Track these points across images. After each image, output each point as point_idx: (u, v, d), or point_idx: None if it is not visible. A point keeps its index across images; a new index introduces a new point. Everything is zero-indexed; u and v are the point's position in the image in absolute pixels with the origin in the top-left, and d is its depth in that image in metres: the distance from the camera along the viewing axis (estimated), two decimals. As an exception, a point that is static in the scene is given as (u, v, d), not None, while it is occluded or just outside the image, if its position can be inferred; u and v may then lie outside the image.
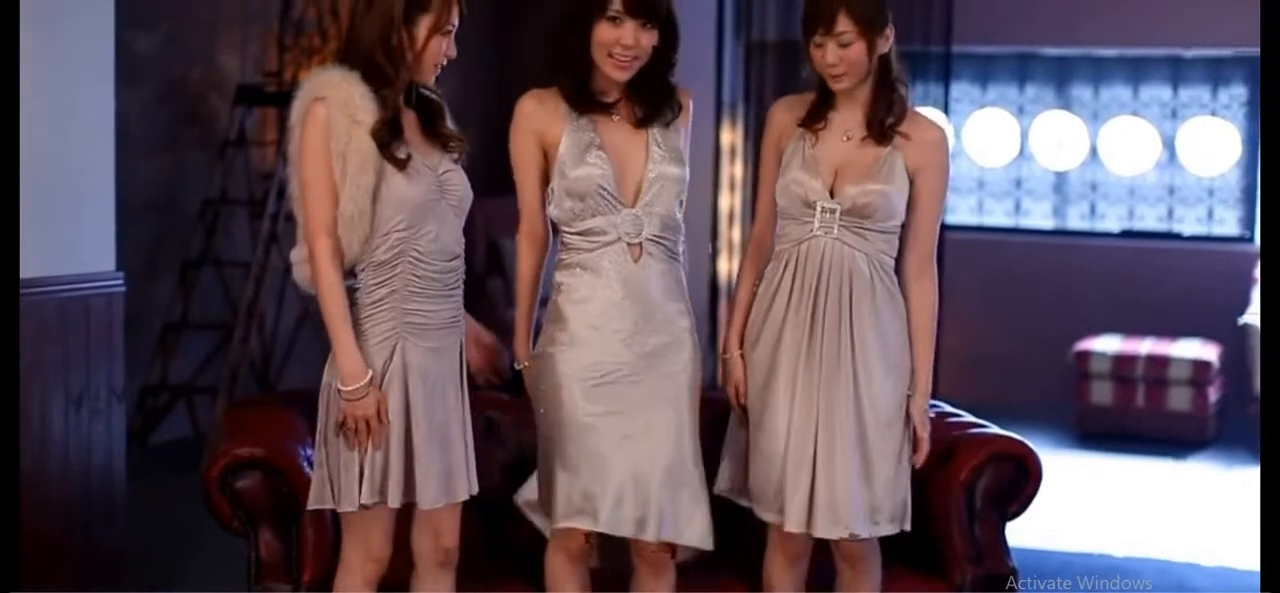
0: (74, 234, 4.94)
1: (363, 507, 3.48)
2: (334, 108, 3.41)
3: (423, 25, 3.45)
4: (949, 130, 9.18)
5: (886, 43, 3.59)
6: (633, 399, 3.62)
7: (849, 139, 3.64)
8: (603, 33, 3.50)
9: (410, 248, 3.48)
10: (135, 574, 5.38)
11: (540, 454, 3.69)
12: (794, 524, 3.61)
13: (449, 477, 3.57)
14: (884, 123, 3.61)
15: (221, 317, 7.96)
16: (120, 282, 5.11)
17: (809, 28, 3.60)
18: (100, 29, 5.04)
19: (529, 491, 3.81)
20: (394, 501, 3.49)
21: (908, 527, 3.67)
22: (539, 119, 3.59)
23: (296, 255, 3.56)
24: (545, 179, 3.62)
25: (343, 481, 3.47)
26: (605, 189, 3.58)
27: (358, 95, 3.42)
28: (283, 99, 8.01)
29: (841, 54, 3.55)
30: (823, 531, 3.61)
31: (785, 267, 3.68)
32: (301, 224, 3.49)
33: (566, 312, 3.61)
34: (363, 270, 3.49)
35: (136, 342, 7.35)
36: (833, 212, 3.62)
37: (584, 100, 3.58)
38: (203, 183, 7.95)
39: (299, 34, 8.37)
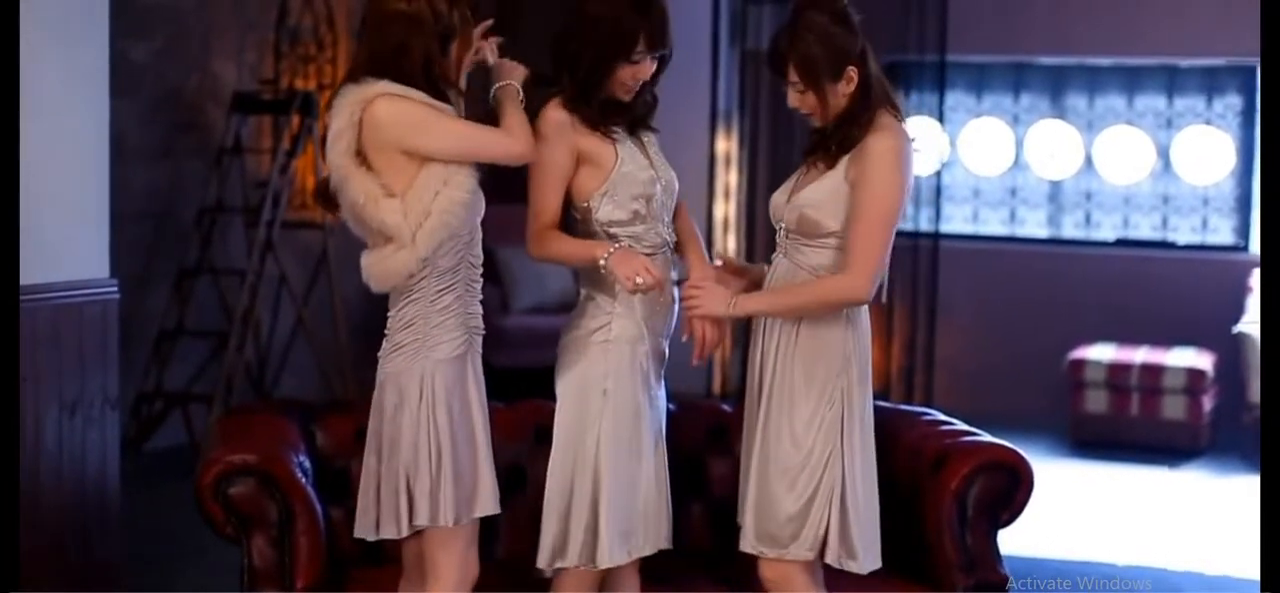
0: (68, 242, 4.95)
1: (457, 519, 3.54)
2: (412, 96, 3.48)
3: (454, 48, 3.57)
4: (941, 139, 9.21)
5: (848, 83, 3.56)
6: (658, 415, 3.71)
7: (816, 165, 3.65)
8: (624, 72, 3.59)
9: (469, 253, 3.58)
10: (129, 581, 5.38)
11: (585, 486, 3.61)
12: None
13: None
14: (831, 148, 3.59)
15: (217, 324, 7.96)
16: (114, 289, 5.11)
17: (771, 70, 3.67)
18: (96, 38, 5.05)
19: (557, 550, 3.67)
20: (491, 507, 3.59)
21: (832, 560, 3.59)
22: (575, 125, 3.61)
23: (368, 258, 3.55)
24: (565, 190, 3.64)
25: (447, 495, 3.51)
26: (657, 194, 3.66)
27: (418, 95, 3.48)
28: (279, 107, 8.02)
29: (799, 98, 3.60)
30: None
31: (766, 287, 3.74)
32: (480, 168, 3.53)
33: (628, 328, 3.62)
34: (424, 277, 3.51)
35: (132, 349, 7.36)
36: (783, 231, 3.67)
37: (611, 117, 3.63)
38: (198, 191, 7.95)
39: (295, 42, 8.38)
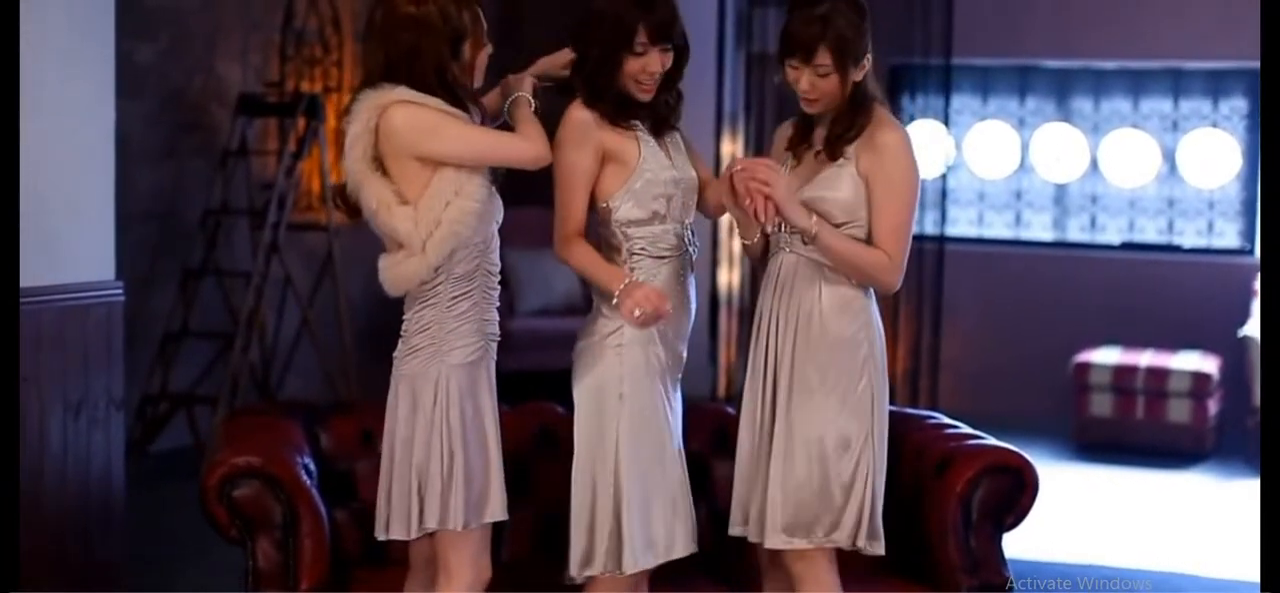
0: (73, 243, 4.95)
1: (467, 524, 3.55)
2: (428, 104, 3.49)
3: (466, 49, 3.56)
4: (946, 142, 9.20)
5: (861, 71, 3.60)
6: (676, 419, 3.71)
7: (816, 156, 3.66)
8: (631, 65, 3.57)
9: (485, 260, 3.59)
10: (133, 582, 5.38)
11: (607, 491, 3.59)
12: (732, 527, 3.72)
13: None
14: (838, 139, 3.61)
15: (222, 326, 7.96)
16: (119, 291, 5.12)
17: (786, 51, 3.62)
18: (101, 40, 5.06)
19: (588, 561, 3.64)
20: (500, 513, 3.61)
21: (862, 545, 3.60)
22: (600, 124, 3.59)
23: (383, 261, 3.57)
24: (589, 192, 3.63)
25: (457, 499, 3.52)
26: (678, 195, 3.65)
27: (434, 102, 3.49)
28: (284, 109, 8.02)
29: (816, 83, 3.58)
30: (754, 536, 3.67)
31: (763, 285, 3.74)
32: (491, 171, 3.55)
33: (641, 331, 3.59)
34: (439, 283, 3.52)
35: (137, 351, 7.36)
36: (784, 227, 3.65)
37: (627, 112, 3.62)
38: (203, 192, 7.95)
39: (300, 44, 8.38)
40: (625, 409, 3.58)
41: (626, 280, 3.55)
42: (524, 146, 3.53)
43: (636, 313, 3.51)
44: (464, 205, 3.48)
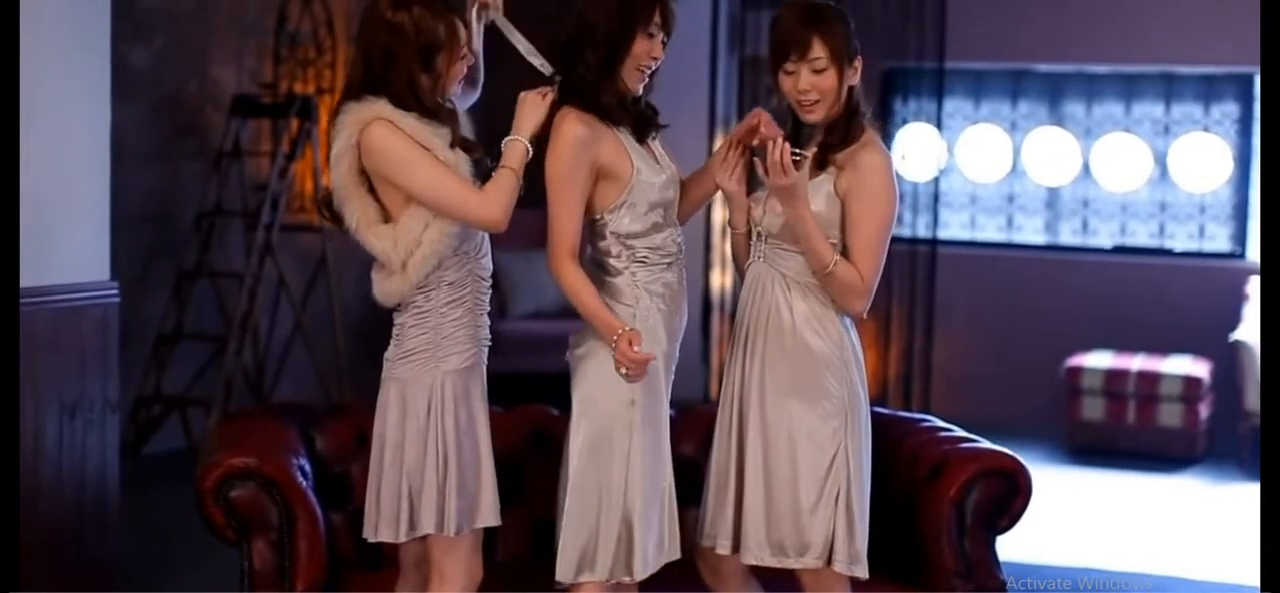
0: (68, 245, 4.95)
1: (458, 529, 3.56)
2: (405, 126, 3.48)
3: (441, 61, 3.54)
4: (938, 146, 9.22)
5: (856, 74, 3.61)
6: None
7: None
8: (640, 45, 3.53)
9: (476, 267, 3.60)
10: (127, 584, 5.38)
11: (616, 498, 3.54)
12: (721, 544, 3.68)
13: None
14: (831, 148, 3.60)
15: (215, 328, 7.96)
16: (114, 292, 5.12)
17: (780, 55, 3.60)
18: (95, 42, 5.06)
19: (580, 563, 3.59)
20: (492, 518, 3.61)
21: (839, 566, 3.58)
22: (593, 140, 3.52)
23: (377, 274, 3.58)
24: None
25: (450, 505, 3.52)
26: (671, 197, 3.63)
27: (411, 122, 3.49)
28: (278, 111, 8.02)
29: (814, 80, 3.57)
30: (730, 548, 3.66)
31: (740, 297, 3.75)
32: (452, 222, 3.49)
33: (649, 337, 3.55)
34: (432, 289, 3.53)
35: (131, 352, 7.36)
36: (760, 237, 3.67)
37: (621, 113, 3.58)
38: (198, 194, 7.96)
39: (294, 46, 8.38)
40: (639, 416, 3.52)
41: (622, 330, 3.49)
42: (483, 212, 3.48)
43: (623, 370, 3.48)
44: (443, 227, 3.49)
